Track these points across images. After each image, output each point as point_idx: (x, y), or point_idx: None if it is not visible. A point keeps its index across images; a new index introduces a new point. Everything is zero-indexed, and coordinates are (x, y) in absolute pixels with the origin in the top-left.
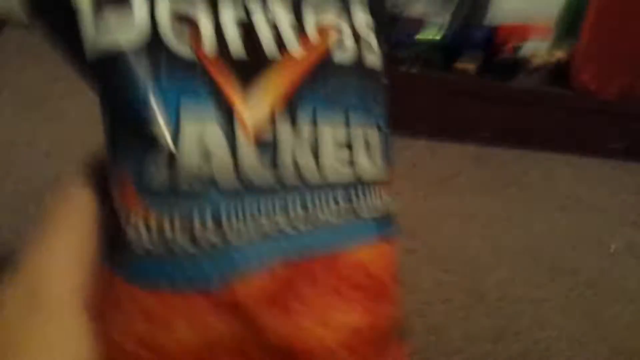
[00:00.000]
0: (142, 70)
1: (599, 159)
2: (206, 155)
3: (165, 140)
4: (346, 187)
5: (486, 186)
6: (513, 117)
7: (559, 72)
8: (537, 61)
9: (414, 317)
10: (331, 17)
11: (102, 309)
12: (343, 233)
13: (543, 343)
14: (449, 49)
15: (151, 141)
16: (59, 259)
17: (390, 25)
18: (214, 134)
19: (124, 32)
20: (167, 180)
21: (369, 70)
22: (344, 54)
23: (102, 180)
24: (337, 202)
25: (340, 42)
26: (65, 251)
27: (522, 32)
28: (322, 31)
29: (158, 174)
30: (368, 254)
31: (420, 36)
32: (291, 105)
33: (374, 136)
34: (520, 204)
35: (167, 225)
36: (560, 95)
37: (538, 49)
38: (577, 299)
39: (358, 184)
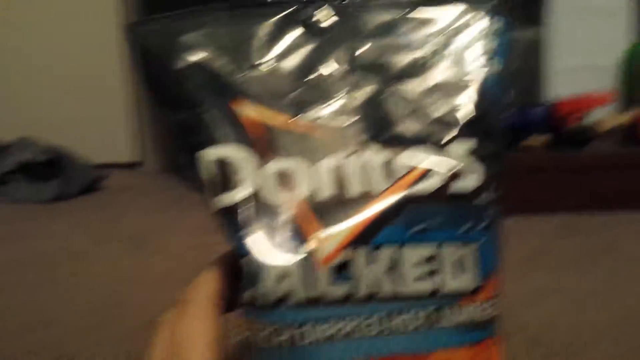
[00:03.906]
0: (239, 219)
1: None
2: (282, 277)
3: (252, 269)
4: (425, 298)
5: (578, 258)
6: (595, 182)
7: (633, 132)
8: (606, 125)
9: None
10: (421, 154)
11: None
12: (423, 338)
13: None
14: (512, 131)
15: (245, 272)
16: (196, 337)
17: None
18: (291, 261)
19: (234, 194)
20: (252, 296)
21: (456, 195)
22: (428, 183)
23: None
24: (414, 312)
25: (426, 175)
26: (201, 330)
27: (582, 104)
28: (410, 167)
29: (247, 293)
30: (453, 358)
31: None
32: (368, 234)
33: (464, 253)
34: (615, 274)
35: (252, 329)
36: (637, 153)
37: (604, 114)
38: None
39: (438, 296)
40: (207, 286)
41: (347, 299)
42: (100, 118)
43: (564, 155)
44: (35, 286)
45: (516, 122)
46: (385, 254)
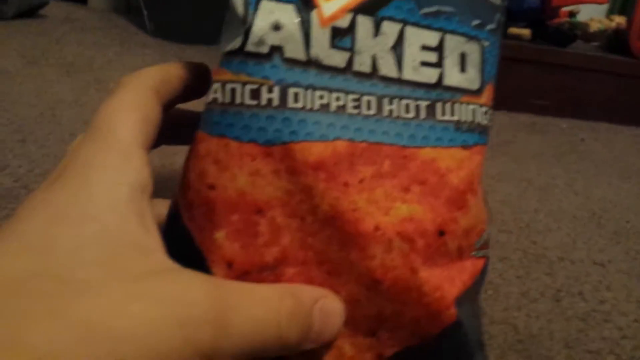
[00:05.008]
0: None
1: None
2: (276, 27)
3: (243, 12)
4: (426, 87)
5: (543, 153)
6: (570, 85)
7: (619, 39)
8: (595, 26)
9: None
10: None
11: (187, 159)
12: (417, 130)
13: (609, 304)
14: (507, 15)
15: (234, 14)
16: (124, 110)
17: None
18: (289, 12)
19: None
20: (240, 44)
21: None
22: None
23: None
24: (414, 100)
25: None
26: (131, 105)
27: None
28: None
29: (233, 40)
30: (443, 157)
31: None
32: (375, 3)
33: (472, 48)
34: (580, 171)
35: (235, 82)
36: (619, 62)
37: (595, 14)
38: None
39: (440, 88)
40: (146, 73)
41: (345, 69)
42: None
43: (546, 49)
44: None
45: (511, 7)
46: (392, 28)
